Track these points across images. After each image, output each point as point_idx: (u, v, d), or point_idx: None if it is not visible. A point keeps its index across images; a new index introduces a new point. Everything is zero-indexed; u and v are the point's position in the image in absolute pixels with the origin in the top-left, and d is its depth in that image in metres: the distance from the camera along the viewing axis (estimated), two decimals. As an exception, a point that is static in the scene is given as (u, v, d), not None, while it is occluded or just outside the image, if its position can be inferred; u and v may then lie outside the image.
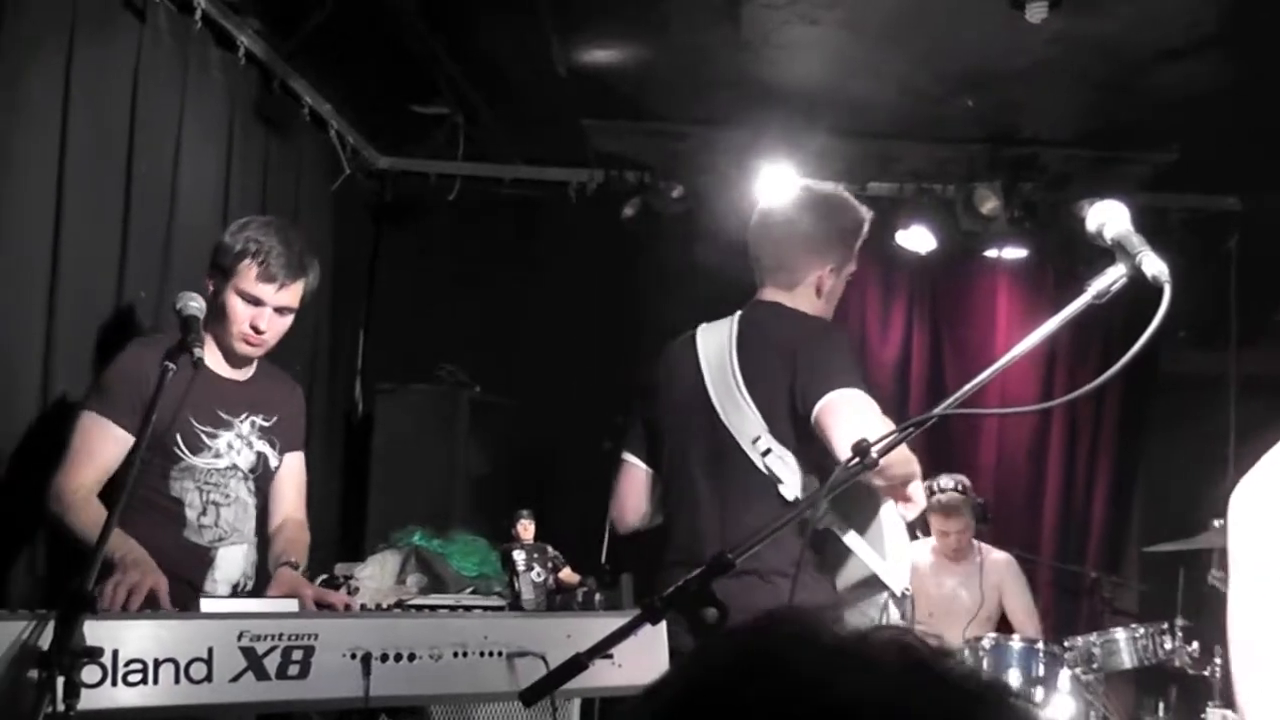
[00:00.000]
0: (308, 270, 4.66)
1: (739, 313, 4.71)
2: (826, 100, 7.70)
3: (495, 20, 6.87)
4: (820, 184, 4.79)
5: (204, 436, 4.60)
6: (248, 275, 4.51)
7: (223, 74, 6.49)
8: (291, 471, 4.98)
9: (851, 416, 4.13)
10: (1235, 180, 8.65)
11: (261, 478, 4.83)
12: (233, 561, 4.70)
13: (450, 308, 9.22)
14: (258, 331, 4.58)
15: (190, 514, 4.58)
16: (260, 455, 4.80)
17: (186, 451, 4.56)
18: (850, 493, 4.18)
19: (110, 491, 4.33)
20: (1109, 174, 8.44)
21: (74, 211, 5.16)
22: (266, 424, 4.81)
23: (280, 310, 4.62)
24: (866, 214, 4.76)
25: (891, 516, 4.41)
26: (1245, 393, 8.89)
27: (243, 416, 4.73)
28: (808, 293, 4.64)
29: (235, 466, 4.70)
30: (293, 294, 4.61)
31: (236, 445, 4.71)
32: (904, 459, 4.13)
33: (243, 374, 4.79)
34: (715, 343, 4.64)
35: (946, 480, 7.75)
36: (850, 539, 4.33)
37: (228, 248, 4.56)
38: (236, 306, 4.55)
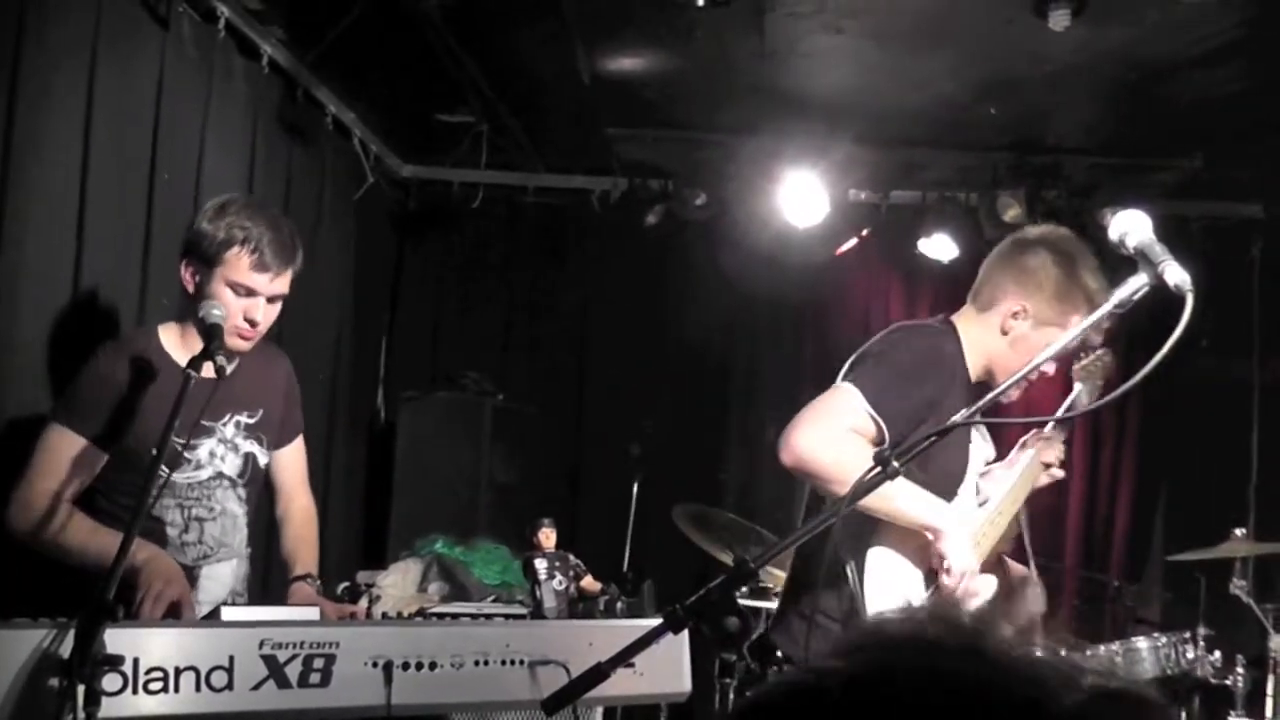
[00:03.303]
0: (298, 254, 4.32)
1: None
2: (850, 108, 7.70)
3: (520, 28, 6.87)
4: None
5: (181, 450, 4.22)
6: (238, 265, 4.13)
7: (246, 83, 6.52)
8: (293, 459, 4.77)
9: (814, 407, 3.98)
10: (1259, 188, 8.62)
11: (251, 482, 4.51)
12: (219, 580, 4.42)
13: (473, 316, 9.26)
14: (252, 324, 4.21)
15: (172, 532, 4.27)
16: (248, 457, 4.48)
17: (163, 468, 4.02)
18: (848, 523, 3.97)
19: (85, 505, 4.10)
20: (1132, 182, 8.42)
21: (97, 219, 5.17)
22: (252, 421, 4.47)
23: (273, 299, 4.26)
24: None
25: (882, 559, 4.11)
26: (1269, 402, 8.87)
27: (225, 419, 4.38)
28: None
29: (221, 475, 4.39)
30: (285, 281, 4.27)
31: (220, 451, 4.39)
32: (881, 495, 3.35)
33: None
34: None
35: None
36: (850, 570, 4.21)
37: (210, 235, 4.16)
38: (227, 298, 4.13)
